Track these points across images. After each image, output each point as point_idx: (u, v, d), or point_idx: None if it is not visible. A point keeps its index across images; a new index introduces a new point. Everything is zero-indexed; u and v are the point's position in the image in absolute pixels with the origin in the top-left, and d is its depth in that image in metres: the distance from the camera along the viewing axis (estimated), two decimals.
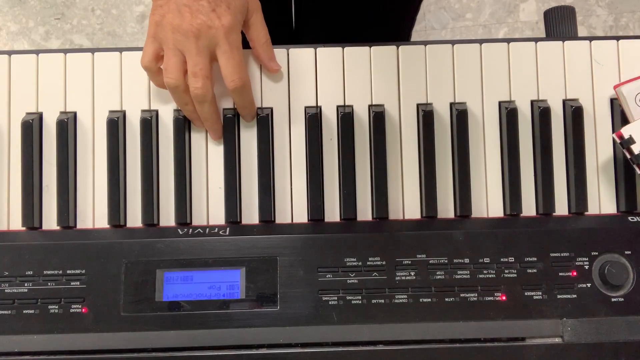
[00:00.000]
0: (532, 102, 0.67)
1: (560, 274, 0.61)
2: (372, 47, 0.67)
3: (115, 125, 0.65)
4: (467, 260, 0.61)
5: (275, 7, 0.95)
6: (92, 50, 0.68)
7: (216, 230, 0.63)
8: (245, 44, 0.65)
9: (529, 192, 0.66)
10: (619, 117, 0.66)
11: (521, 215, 0.66)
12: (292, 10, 1.00)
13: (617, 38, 0.68)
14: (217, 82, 0.64)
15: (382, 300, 0.60)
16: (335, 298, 0.60)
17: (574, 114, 0.66)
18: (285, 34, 0.99)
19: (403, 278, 0.61)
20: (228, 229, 0.64)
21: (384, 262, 0.61)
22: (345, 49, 0.67)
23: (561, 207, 0.66)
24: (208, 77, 0.62)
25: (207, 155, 0.67)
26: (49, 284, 0.61)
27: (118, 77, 0.67)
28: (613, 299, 0.61)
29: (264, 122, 0.66)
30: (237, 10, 0.62)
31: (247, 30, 0.66)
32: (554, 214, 0.65)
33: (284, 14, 0.99)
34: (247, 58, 0.67)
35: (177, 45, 0.61)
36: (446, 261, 0.61)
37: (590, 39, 0.68)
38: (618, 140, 0.63)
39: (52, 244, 0.62)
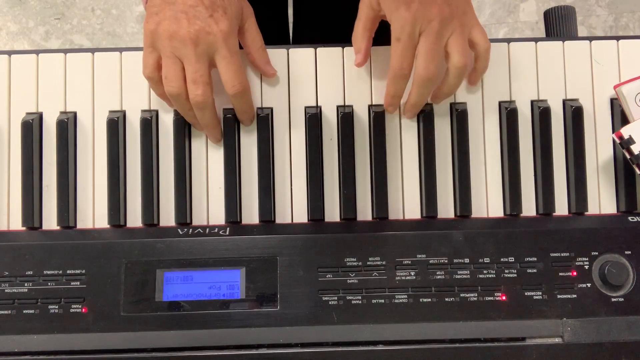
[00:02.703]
0: (532, 102, 0.67)
1: (560, 274, 0.61)
2: (372, 47, 0.67)
3: (115, 125, 0.65)
4: (467, 260, 0.61)
5: (272, 10, 0.95)
6: (92, 50, 0.68)
7: (216, 230, 0.63)
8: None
9: (529, 192, 0.66)
10: (619, 117, 0.66)
11: (521, 215, 0.66)
12: (289, 13, 1.00)
13: (617, 38, 0.68)
14: (216, 86, 0.64)
15: (382, 300, 0.60)
16: (335, 298, 0.60)
17: (574, 114, 0.66)
18: (282, 36, 0.99)
19: (403, 278, 0.61)
20: (228, 229, 0.64)
21: (384, 262, 0.61)
22: (345, 49, 0.67)
23: (561, 207, 0.66)
24: (208, 83, 0.61)
25: (207, 155, 0.67)
26: (49, 284, 0.61)
27: (118, 77, 0.67)
28: (613, 299, 0.61)
29: (264, 122, 0.66)
30: (233, 16, 0.61)
31: (242, 36, 0.65)
32: (554, 214, 0.65)
33: (280, 17, 0.98)
34: (245, 60, 0.67)
35: (174, 53, 0.61)
36: (446, 261, 0.61)
37: (590, 39, 0.68)
38: (618, 141, 0.63)
39: (52, 244, 0.62)
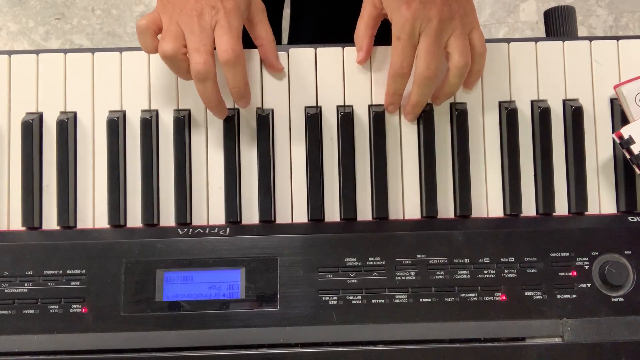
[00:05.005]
0: (532, 102, 0.67)
1: (560, 274, 0.61)
2: (373, 47, 0.67)
3: (115, 125, 0.65)
4: (467, 260, 0.61)
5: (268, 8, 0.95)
6: (92, 50, 0.68)
7: (216, 230, 0.63)
8: (247, 45, 0.65)
9: (529, 192, 0.66)
10: (619, 117, 0.66)
11: (521, 215, 0.66)
12: (283, 13, 1.00)
13: (617, 38, 0.68)
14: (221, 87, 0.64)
15: (382, 300, 0.60)
16: (335, 298, 0.60)
17: (574, 114, 0.66)
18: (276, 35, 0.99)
19: (403, 278, 0.61)
20: (228, 229, 0.64)
21: (384, 262, 0.61)
22: (345, 49, 0.67)
23: (561, 207, 0.66)
24: (211, 53, 0.60)
25: (207, 155, 0.67)
26: (49, 284, 0.61)
27: (118, 77, 0.67)
28: (613, 299, 0.61)
29: (264, 122, 0.66)
30: (240, 1, 0.61)
31: (253, 28, 0.65)
32: (554, 214, 0.65)
33: (273, 17, 0.98)
34: (248, 58, 0.67)
35: (179, 22, 0.60)
36: (446, 261, 0.61)
37: (590, 39, 0.68)
38: (618, 141, 0.63)
39: (52, 244, 0.62)
